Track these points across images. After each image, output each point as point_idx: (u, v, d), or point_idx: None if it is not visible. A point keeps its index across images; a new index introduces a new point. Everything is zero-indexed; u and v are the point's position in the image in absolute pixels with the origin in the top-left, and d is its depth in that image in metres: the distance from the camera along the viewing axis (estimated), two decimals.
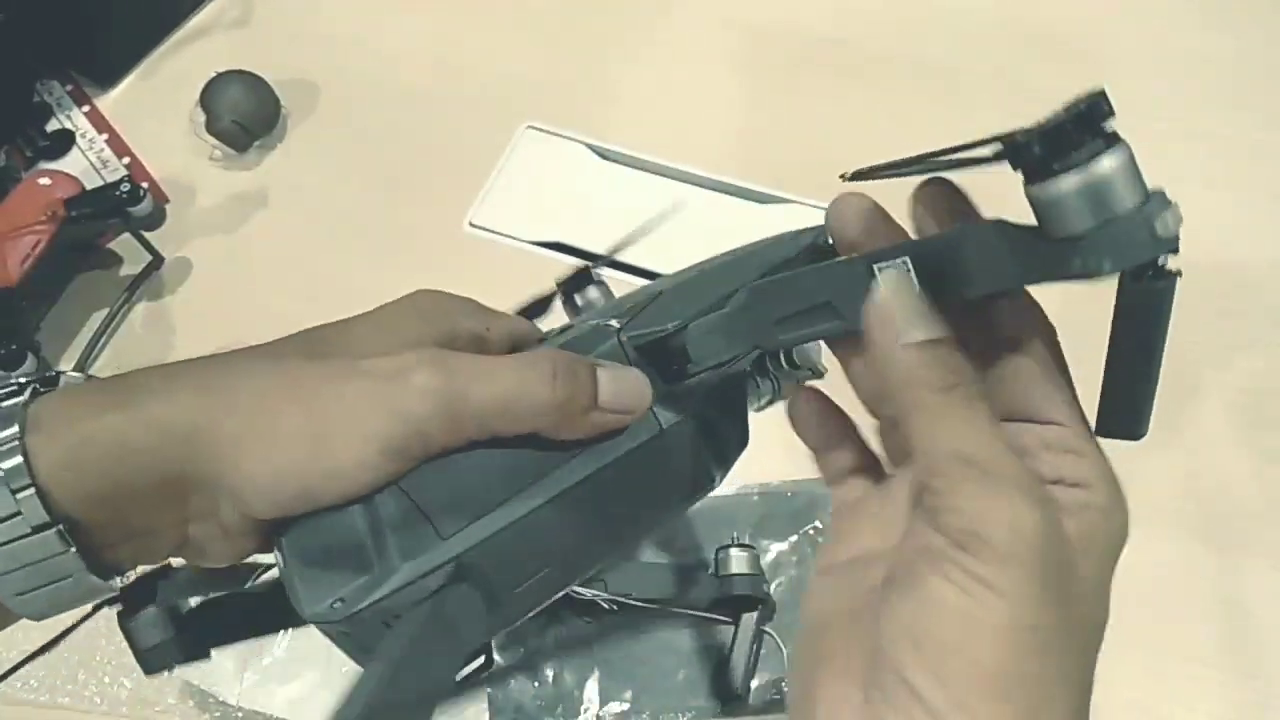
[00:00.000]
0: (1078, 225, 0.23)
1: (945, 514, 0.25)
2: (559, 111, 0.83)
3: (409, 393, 0.29)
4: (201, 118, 0.82)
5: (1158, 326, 0.25)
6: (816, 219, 0.34)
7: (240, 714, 0.60)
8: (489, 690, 0.59)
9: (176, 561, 0.34)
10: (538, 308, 0.44)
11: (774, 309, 0.30)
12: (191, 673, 0.61)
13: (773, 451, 0.67)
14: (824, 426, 0.34)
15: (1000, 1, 0.84)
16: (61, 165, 0.84)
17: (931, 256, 0.26)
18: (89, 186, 0.77)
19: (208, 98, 0.82)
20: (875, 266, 0.27)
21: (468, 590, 0.30)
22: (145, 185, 0.77)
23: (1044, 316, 0.28)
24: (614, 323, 0.34)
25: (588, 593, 0.59)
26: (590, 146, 0.82)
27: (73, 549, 0.29)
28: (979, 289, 0.26)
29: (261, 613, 0.37)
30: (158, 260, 0.78)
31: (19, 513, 0.28)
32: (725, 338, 0.32)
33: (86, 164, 0.85)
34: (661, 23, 0.88)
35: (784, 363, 0.36)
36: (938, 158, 0.26)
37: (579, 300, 0.43)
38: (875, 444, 0.34)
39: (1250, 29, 0.81)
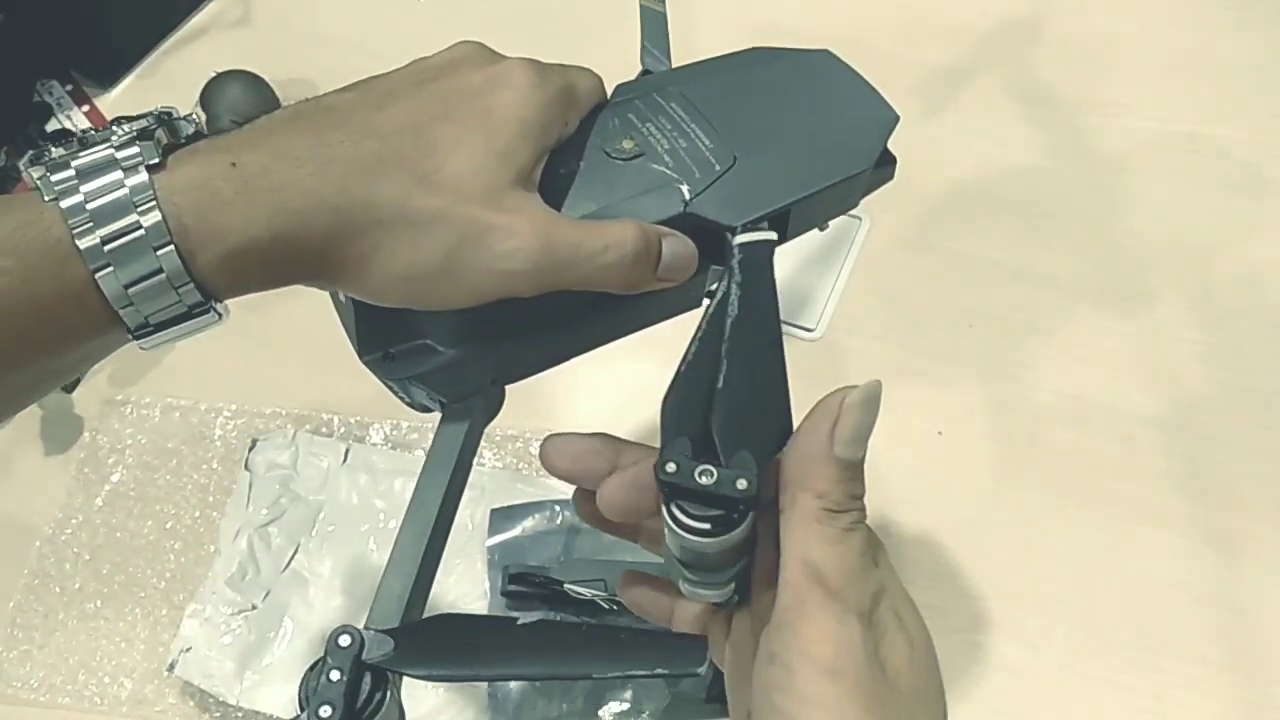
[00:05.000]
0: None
1: (783, 630, 0.26)
2: None
3: (507, 235, 0.32)
4: (201, 118, 0.82)
5: None
6: None
7: (240, 714, 0.60)
8: (489, 690, 0.59)
9: None
10: None
11: None
12: (192, 673, 0.61)
13: None
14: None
15: (1005, 3, 0.84)
16: None
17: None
18: None
19: (207, 98, 0.82)
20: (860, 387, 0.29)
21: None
22: None
23: None
24: (685, 190, 0.36)
25: (588, 592, 0.59)
26: None
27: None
28: None
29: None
30: None
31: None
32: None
33: None
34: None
35: None
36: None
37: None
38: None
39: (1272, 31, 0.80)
